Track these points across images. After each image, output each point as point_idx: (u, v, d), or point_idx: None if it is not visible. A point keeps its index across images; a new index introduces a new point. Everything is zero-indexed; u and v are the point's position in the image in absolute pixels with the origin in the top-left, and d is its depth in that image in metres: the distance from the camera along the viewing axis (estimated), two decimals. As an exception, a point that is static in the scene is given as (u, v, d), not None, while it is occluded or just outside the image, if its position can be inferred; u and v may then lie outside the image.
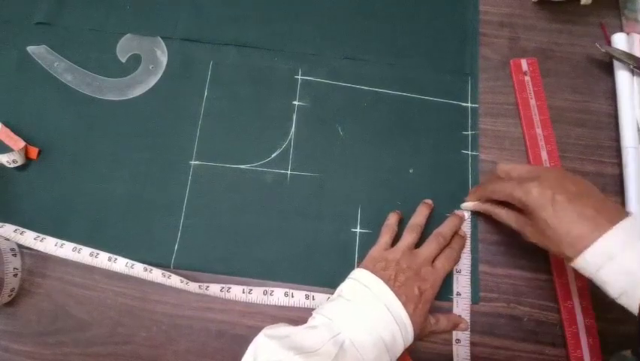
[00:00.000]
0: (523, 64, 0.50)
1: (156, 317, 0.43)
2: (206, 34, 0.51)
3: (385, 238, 0.41)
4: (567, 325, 0.42)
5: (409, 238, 0.41)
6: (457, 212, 0.45)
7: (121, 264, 0.42)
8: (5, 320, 0.43)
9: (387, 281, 0.36)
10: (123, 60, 0.50)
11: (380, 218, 0.44)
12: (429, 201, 0.44)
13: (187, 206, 0.45)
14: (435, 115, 0.48)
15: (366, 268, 0.38)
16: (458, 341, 0.42)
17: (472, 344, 0.42)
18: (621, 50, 0.48)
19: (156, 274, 0.42)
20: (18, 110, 0.48)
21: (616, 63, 0.49)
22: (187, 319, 0.43)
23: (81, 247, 0.43)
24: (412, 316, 0.35)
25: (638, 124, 0.46)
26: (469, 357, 0.41)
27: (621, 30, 0.50)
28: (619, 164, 0.46)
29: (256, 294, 0.42)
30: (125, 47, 0.50)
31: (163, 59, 0.50)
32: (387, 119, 0.48)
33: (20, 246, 0.43)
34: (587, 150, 0.47)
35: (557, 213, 0.35)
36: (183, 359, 0.42)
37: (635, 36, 0.49)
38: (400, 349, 0.35)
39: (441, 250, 0.41)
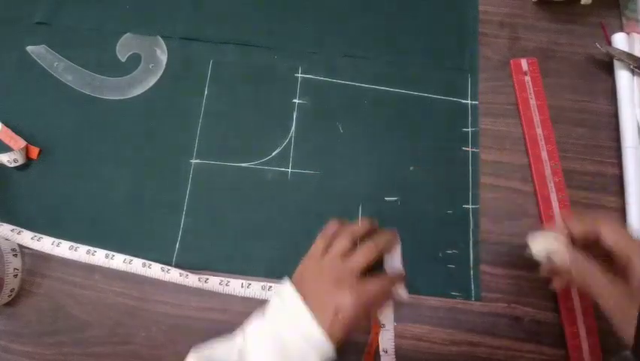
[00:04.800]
0: (524, 64, 0.50)
1: (156, 317, 0.43)
2: (206, 33, 0.51)
3: (315, 246, 0.40)
4: (567, 325, 0.42)
5: (339, 244, 0.39)
6: (393, 231, 0.43)
7: (118, 260, 0.42)
8: (5, 320, 0.43)
9: (306, 296, 0.36)
10: (123, 59, 0.50)
11: (381, 216, 0.44)
12: (375, 223, 0.43)
13: (188, 205, 0.45)
14: (435, 112, 0.48)
15: (293, 279, 0.38)
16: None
17: (472, 344, 0.42)
18: (621, 50, 0.48)
19: (155, 269, 0.42)
20: (18, 110, 0.48)
21: (616, 63, 0.49)
22: (187, 319, 0.42)
23: (78, 245, 0.43)
24: (329, 329, 0.34)
25: (638, 124, 0.46)
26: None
27: (621, 30, 0.50)
28: (619, 164, 0.46)
29: (255, 288, 0.42)
30: (125, 46, 0.50)
31: (163, 58, 0.50)
32: (387, 116, 0.48)
33: (20, 246, 0.43)
34: (587, 150, 0.47)
35: None
36: (183, 359, 0.42)
37: (636, 36, 0.49)
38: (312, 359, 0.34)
39: (374, 259, 0.38)
